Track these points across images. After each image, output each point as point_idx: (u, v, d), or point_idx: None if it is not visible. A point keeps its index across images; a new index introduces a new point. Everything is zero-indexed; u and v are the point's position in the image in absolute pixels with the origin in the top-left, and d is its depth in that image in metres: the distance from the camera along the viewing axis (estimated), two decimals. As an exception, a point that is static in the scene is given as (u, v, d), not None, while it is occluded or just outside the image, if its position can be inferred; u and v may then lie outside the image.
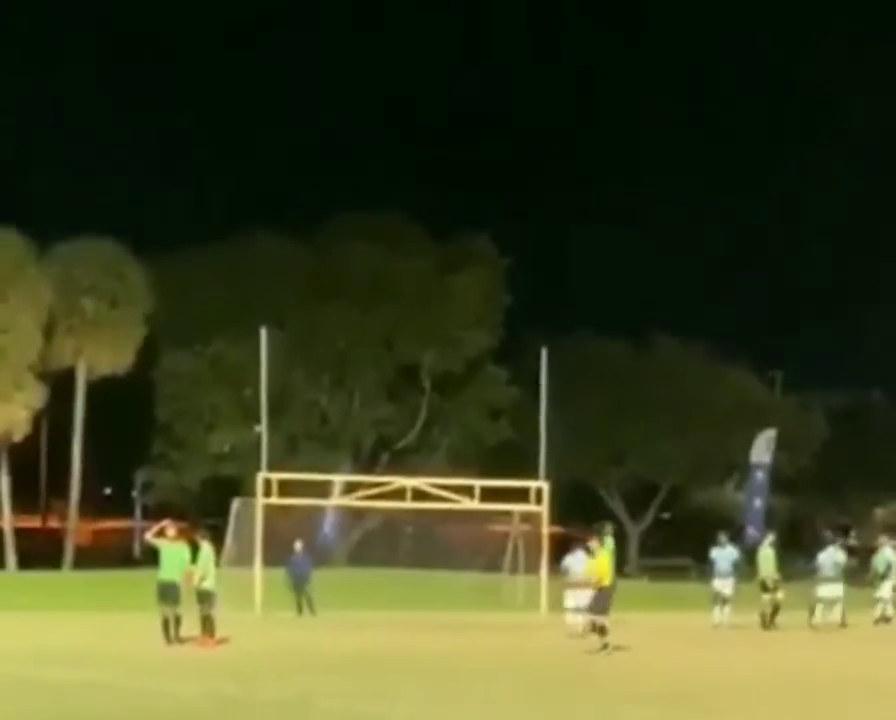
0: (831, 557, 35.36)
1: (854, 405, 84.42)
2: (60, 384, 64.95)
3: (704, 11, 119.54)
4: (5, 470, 64.25)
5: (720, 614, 34.46)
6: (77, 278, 64.28)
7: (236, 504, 40.60)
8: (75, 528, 67.36)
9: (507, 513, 42.45)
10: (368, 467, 64.81)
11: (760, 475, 71.03)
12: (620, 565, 39.68)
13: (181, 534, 28.44)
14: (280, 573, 38.36)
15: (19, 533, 65.38)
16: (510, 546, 42.74)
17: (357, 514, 64.97)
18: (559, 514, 43.97)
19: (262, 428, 41.55)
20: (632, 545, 78.44)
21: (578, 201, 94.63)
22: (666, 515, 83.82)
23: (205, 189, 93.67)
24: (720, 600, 34.48)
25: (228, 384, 67.03)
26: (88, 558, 64.04)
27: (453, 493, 40.95)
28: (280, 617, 35.93)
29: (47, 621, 34.36)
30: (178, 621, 27.52)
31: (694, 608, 37.92)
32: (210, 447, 69.15)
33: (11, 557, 63.74)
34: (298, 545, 39.24)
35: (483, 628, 33.99)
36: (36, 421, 64.46)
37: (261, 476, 39.27)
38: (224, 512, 41.14)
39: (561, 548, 34.90)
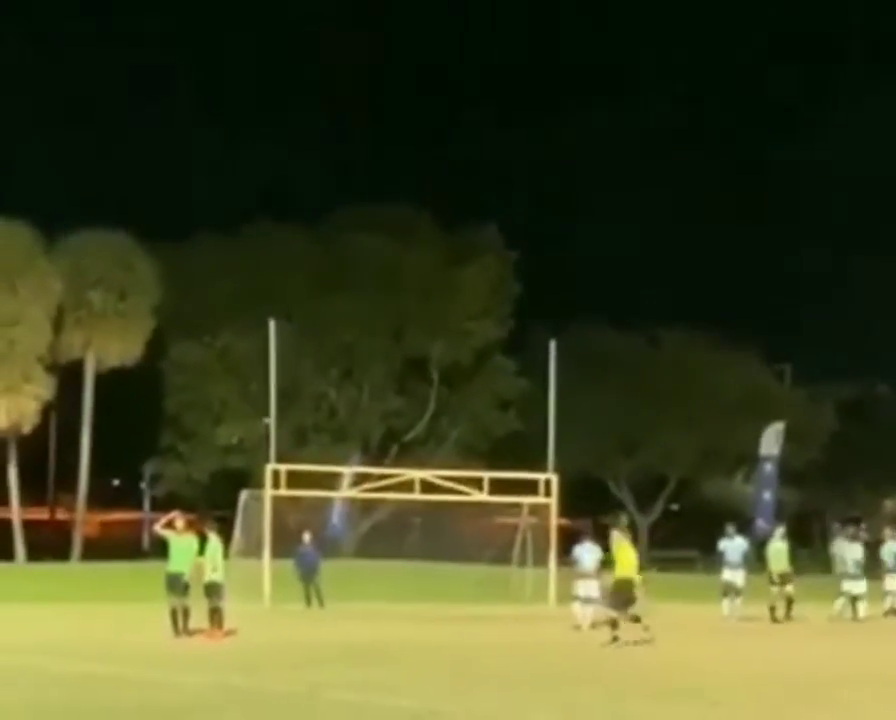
0: (851, 552, 35.12)
1: (862, 398, 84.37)
2: (69, 376, 65.06)
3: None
4: (14, 462, 64.32)
5: (730, 605, 34.37)
6: (86, 270, 64.30)
7: (244, 496, 40.57)
8: (83, 520, 67.48)
9: (516, 505, 42.36)
10: (377, 459, 64.76)
11: (769, 467, 70.98)
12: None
13: (190, 526, 28.39)
14: (289, 565, 38.36)
15: (27, 525, 65.47)
16: (519, 538, 42.61)
17: (365, 506, 65.03)
18: (568, 506, 43.87)
19: (271, 420, 41.54)
20: (641, 537, 78.36)
21: (586, 195, 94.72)
22: (675, 507, 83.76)
23: (214, 181, 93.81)
24: (731, 591, 34.34)
25: (236, 376, 67.08)
26: (96, 550, 64.02)
27: (462, 485, 40.94)
28: (289, 609, 35.91)
29: (55, 613, 34.38)
30: (186, 613, 27.48)
31: (702, 600, 37.87)
32: (218, 439, 69.22)
33: (20, 549, 63.87)
34: (307, 537, 39.25)
35: (491, 620, 33.95)
36: (45, 413, 64.55)
37: (270, 468, 39.27)
38: (232, 504, 41.09)
39: (570, 540, 34.75)
